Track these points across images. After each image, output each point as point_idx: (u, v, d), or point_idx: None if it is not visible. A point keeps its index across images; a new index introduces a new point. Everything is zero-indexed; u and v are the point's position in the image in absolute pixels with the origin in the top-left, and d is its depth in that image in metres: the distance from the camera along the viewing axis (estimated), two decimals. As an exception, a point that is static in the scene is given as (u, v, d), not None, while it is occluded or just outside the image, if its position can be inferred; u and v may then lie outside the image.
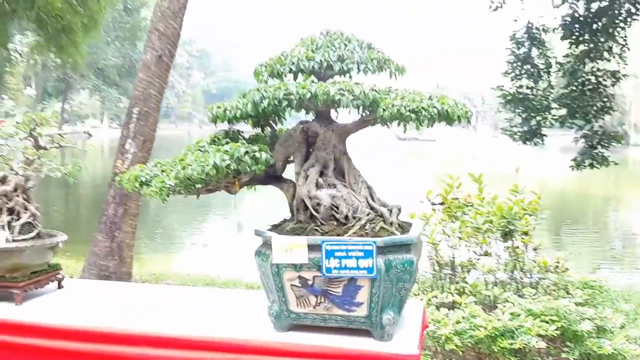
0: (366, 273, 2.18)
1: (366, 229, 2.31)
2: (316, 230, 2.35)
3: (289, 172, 2.61)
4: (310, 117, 2.62)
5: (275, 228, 2.50)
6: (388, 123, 2.27)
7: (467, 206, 5.14)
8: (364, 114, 2.39)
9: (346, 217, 2.40)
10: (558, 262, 4.60)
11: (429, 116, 2.16)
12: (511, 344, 3.70)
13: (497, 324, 3.77)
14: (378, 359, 2.18)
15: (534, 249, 4.77)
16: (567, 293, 4.69)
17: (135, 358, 2.37)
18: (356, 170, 2.54)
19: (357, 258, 2.19)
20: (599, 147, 10.10)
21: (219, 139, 2.55)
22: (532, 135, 10.62)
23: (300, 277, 2.26)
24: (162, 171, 2.43)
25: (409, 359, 2.17)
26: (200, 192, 2.49)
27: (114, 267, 5.93)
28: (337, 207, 2.41)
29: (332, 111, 2.54)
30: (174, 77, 52.78)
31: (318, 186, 2.45)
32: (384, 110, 2.19)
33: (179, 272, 7.51)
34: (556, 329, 3.77)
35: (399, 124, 2.30)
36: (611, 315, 4.14)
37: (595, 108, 9.93)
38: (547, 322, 3.82)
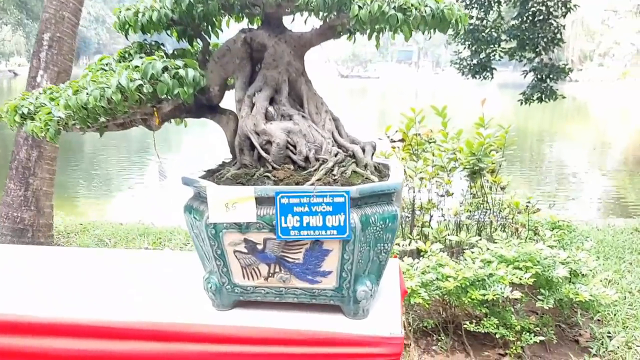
0: (336, 233, 1.61)
1: (334, 175, 1.73)
2: (267, 177, 1.74)
3: (229, 100, 1.98)
4: (256, 27, 1.96)
5: (211, 175, 1.88)
6: (363, 27, 1.65)
7: (430, 142, 4.65)
8: (329, 18, 1.75)
9: (306, 159, 1.80)
10: (529, 202, 4.21)
11: (420, 17, 1.55)
12: (483, 295, 3.28)
13: (467, 273, 3.33)
14: (351, 343, 1.65)
15: (502, 188, 4.36)
16: (535, 234, 4.35)
17: (35, 352, 1.75)
18: (318, 96, 1.92)
19: (324, 214, 1.61)
20: (548, 80, 9.86)
21: (130, 54, 1.86)
22: (481, 68, 10.30)
23: (246, 241, 1.68)
24: (52, 99, 1.74)
25: (391, 342, 1.64)
26: (107, 128, 1.83)
27: (30, 218, 5.16)
28: (295, 146, 1.80)
29: (285, 16, 1.89)
30: (104, 10, 49.40)
31: (268, 118, 1.82)
32: (359, 8, 1.55)
33: (112, 221, 6.77)
34: (531, 276, 3.38)
35: (377, 32, 1.69)
36: (585, 258, 3.78)
37: (545, 40, 9.61)
38: (520, 269, 3.43)
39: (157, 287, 2.02)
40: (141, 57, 1.72)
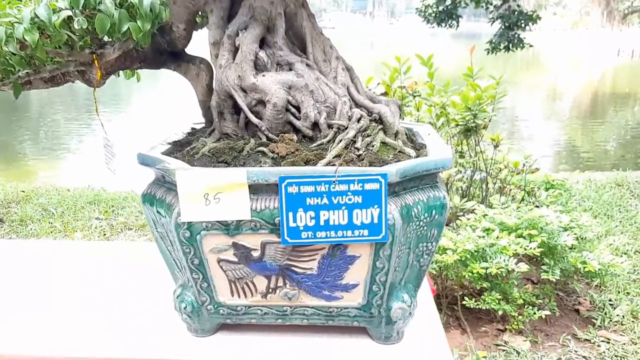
0: (367, 234, 1.12)
1: (357, 148, 1.22)
2: (262, 153, 1.22)
3: (200, 45, 1.43)
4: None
5: (179, 149, 1.34)
6: None
7: (415, 96, 4.16)
8: None
9: (315, 126, 1.28)
10: (526, 161, 3.81)
11: None
12: (485, 268, 2.88)
13: (469, 245, 2.91)
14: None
15: (495, 146, 3.94)
16: (529, 195, 3.98)
17: None
18: (324, 37, 1.39)
19: (350, 207, 1.11)
20: (515, 28, 9.51)
21: (53, -24, 1.27)
22: (447, 16, 9.86)
23: (236, 247, 1.17)
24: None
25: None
26: (28, 85, 1.26)
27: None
28: (298, 108, 1.28)
29: None
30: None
31: (259, 67, 1.29)
32: None
33: (58, 186, 6.06)
34: (538, 246, 2.99)
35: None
36: (589, 221, 3.42)
37: (512, -15, 9.21)
38: (524, 238, 3.04)
39: (107, 301, 1.50)
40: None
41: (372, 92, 1.41)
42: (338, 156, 1.18)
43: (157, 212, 1.22)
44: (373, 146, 1.22)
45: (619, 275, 3.65)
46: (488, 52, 9.76)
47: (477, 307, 3.00)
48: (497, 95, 3.94)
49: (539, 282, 3.45)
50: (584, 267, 3.04)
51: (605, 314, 3.30)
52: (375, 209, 1.11)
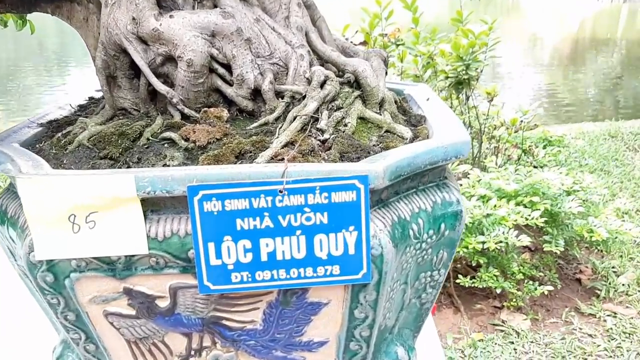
0: (339, 272, 0.69)
1: (320, 128, 0.77)
2: (169, 141, 0.76)
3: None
4: None
5: (51, 134, 0.88)
6: None
7: (398, 45, 3.67)
8: None
9: (256, 94, 0.83)
10: (524, 117, 3.39)
11: None
12: (483, 242, 2.49)
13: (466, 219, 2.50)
14: None
15: (490, 101, 3.50)
16: (525, 153, 3.58)
17: None
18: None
19: (309, 232, 0.67)
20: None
21: None
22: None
23: (130, 295, 0.73)
24: None
25: None
26: None
27: None
28: (227, 66, 0.82)
29: None
30: None
31: (165, 3, 0.82)
32: None
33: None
34: (541, 215, 2.60)
35: None
36: (593, 182, 3.03)
37: None
38: (525, 206, 2.65)
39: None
40: None
41: (346, 40, 0.96)
42: (291, 144, 0.73)
43: (10, 237, 0.77)
44: (346, 125, 0.77)
45: (625, 243, 3.31)
46: (470, -4, 9.26)
47: (473, 284, 2.63)
48: (489, 43, 3.47)
49: (537, 249, 3.09)
50: (591, 236, 2.66)
51: (610, 283, 2.97)
52: (350, 232, 0.67)
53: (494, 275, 2.59)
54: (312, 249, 0.68)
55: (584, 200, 2.81)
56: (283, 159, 0.70)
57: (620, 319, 2.55)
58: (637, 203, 3.99)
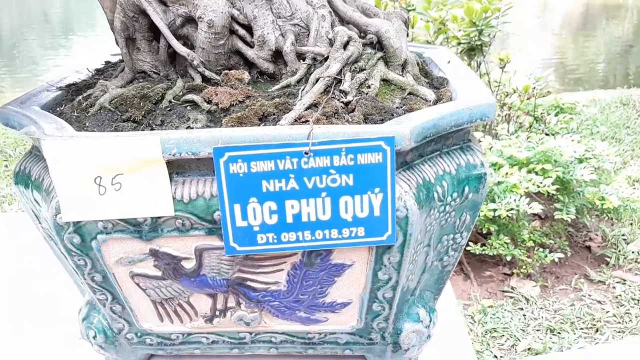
0: (364, 234, 0.69)
1: (343, 90, 0.76)
2: (190, 103, 0.76)
3: None
4: None
5: (72, 97, 0.87)
6: None
7: (410, 10, 3.61)
8: None
9: (277, 56, 0.82)
10: (537, 82, 3.35)
11: None
12: (494, 210, 2.49)
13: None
14: None
15: (502, 68, 3.45)
16: (537, 121, 3.55)
17: None
18: None
19: (335, 193, 0.67)
20: None
21: None
22: None
23: (157, 256, 0.73)
24: None
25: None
26: None
27: None
28: (248, 27, 0.81)
29: None
30: None
31: (183, -37, 0.80)
32: None
33: (3, 129, 5.49)
34: (553, 183, 2.58)
35: None
36: (606, 150, 3.00)
37: None
38: (537, 174, 2.64)
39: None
40: None
41: (365, 2, 0.94)
42: (314, 106, 0.72)
43: (35, 200, 0.77)
44: (369, 87, 0.76)
45: (636, 211, 3.30)
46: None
47: (484, 252, 2.65)
48: (502, 8, 3.41)
49: (546, 217, 3.09)
50: (602, 204, 2.65)
51: (619, 251, 2.97)
52: (376, 194, 0.67)
53: (505, 242, 2.59)
54: (338, 210, 0.68)
55: (595, 168, 2.80)
56: (307, 121, 0.70)
57: (630, 286, 2.55)
58: (649, 171, 3.96)
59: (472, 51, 3.20)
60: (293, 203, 0.68)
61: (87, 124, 0.75)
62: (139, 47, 0.84)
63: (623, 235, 3.09)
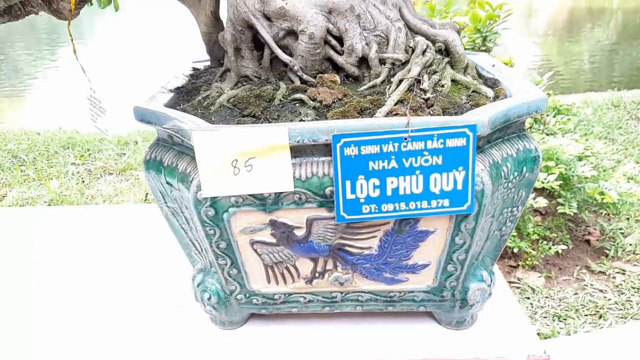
0: (448, 205, 0.86)
1: (423, 89, 0.93)
2: (298, 101, 0.93)
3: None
4: None
5: (186, 98, 1.03)
6: None
7: (415, 18, 3.80)
8: None
9: (361, 62, 0.99)
10: (537, 86, 3.55)
11: None
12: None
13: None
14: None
15: (504, 71, 3.64)
16: (536, 122, 3.74)
17: None
18: (366, -58, 1.06)
19: (427, 171, 0.84)
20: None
21: None
22: None
23: (275, 225, 0.90)
24: None
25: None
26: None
27: None
28: (339, 38, 0.98)
29: None
30: None
31: (287, -14, 0.97)
32: None
33: (26, 129, 5.59)
34: (556, 178, 2.77)
35: None
36: (603, 148, 3.21)
37: None
38: (541, 171, 2.83)
39: (107, 285, 1.24)
40: None
41: (422, 15, 1.11)
42: (401, 102, 0.89)
43: (167, 183, 0.93)
44: (443, 86, 0.94)
45: (633, 205, 3.50)
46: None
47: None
48: (502, 15, 3.61)
49: (547, 213, 3.27)
50: (602, 198, 2.85)
51: (617, 243, 3.16)
52: (459, 171, 0.84)
53: (512, 235, 2.78)
54: (428, 185, 0.85)
55: (594, 166, 3.00)
56: (397, 113, 0.87)
57: (629, 276, 2.74)
58: (643, 169, 4.16)
59: (478, 56, 3.39)
60: (393, 179, 0.85)
61: (212, 119, 0.91)
62: (243, 55, 1.01)
63: (620, 229, 3.29)
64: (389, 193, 0.85)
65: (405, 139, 0.82)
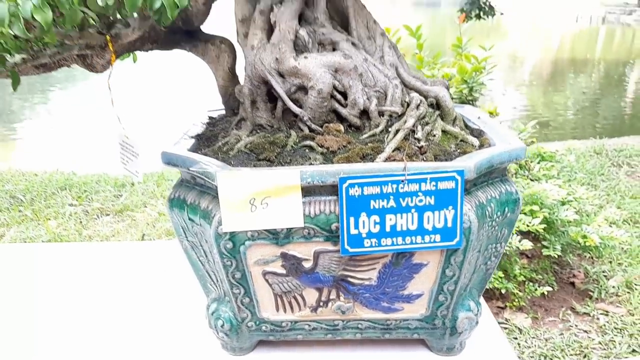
0: (439, 240, 0.98)
1: (417, 138, 1.06)
2: (309, 148, 1.05)
3: (222, 23, 1.24)
4: None
5: (207, 144, 1.16)
6: None
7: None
8: None
9: (362, 114, 1.12)
10: (521, 134, 3.73)
11: None
12: (489, 248, 2.78)
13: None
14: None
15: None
16: (521, 168, 3.90)
17: None
18: (367, 10, 1.21)
19: (421, 210, 0.96)
20: (486, -4, 9.38)
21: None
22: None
23: (285, 257, 1.01)
24: None
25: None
26: (21, 73, 1.05)
27: None
28: (344, 93, 1.11)
29: None
30: None
31: (298, 47, 1.11)
32: None
33: (23, 170, 5.66)
34: (541, 222, 2.91)
35: None
36: (586, 193, 3.35)
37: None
38: (526, 214, 2.96)
39: (124, 314, 1.33)
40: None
41: (416, 72, 1.25)
42: (398, 149, 1.02)
43: (189, 219, 1.05)
44: (434, 136, 1.07)
45: (614, 248, 3.62)
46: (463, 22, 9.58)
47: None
48: (487, 66, 3.81)
49: (533, 256, 3.39)
50: (585, 241, 2.98)
51: (601, 286, 3.27)
52: (449, 210, 0.96)
53: (499, 276, 2.90)
54: (422, 222, 0.97)
55: (577, 210, 3.15)
56: (395, 159, 0.99)
57: (612, 317, 2.84)
58: (623, 214, 4.33)
59: (463, 104, 3.57)
60: (391, 217, 0.97)
61: (232, 163, 1.03)
62: (258, 106, 1.14)
63: (603, 272, 3.40)
64: (387, 229, 0.97)
65: (402, 181, 0.94)
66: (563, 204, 3.12)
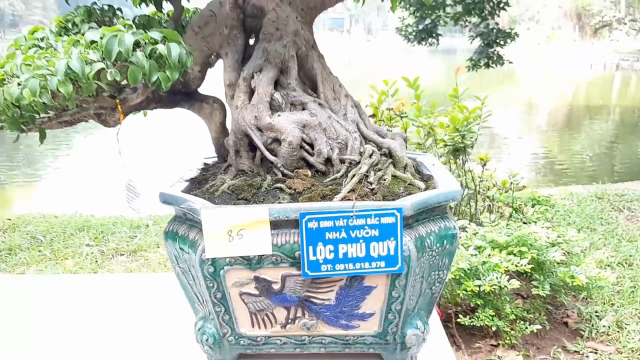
0: (384, 266, 1.19)
1: (370, 182, 1.28)
2: (279, 189, 1.28)
3: (213, 84, 1.49)
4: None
5: (198, 186, 1.39)
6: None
7: (402, 117, 4.26)
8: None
9: (327, 161, 1.35)
10: (514, 179, 3.92)
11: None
12: (479, 286, 2.95)
13: (462, 263, 2.98)
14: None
15: (483, 165, 4.04)
16: (516, 211, 4.08)
17: None
18: (333, 76, 1.46)
19: (368, 241, 1.17)
20: (494, 45, 9.67)
21: (74, 24, 1.33)
22: (427, 34, 10.00)
23: (258, 280, 1.22)
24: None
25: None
26: (46, 128, 1.31)
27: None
28: (312, 144, 1.34)
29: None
30: (19, -20, 45.67)
31: (273, 107, 1.35)
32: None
33: (44, 213, 5.97)
34: (528, 262, 3.07)
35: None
36: (575, 236, 3.52)
37: (491, 4, 9.37)
38: (515, 255, 3.13)
39: (123, 337, 1.54)
40: (93, 28, 1.20)
41: (379, 126, 1.48)
42: (352, 191, 1.24)
43: (180, 248, 1.27)
44: (385, 180, 1.29)
45: (603, 288, 3.75)
46: (468, 69, 9.90)
47: (472, 324, 3.06)
48: (482, 115, 4.05)
49: (528, 296, 3.53)
50: (572, 281, 3.13)
51: (592, 325, 3.39)
52: (391, 241, 1.17)
53: (490, 315, 3.06)
54: (369, 251, 1.18)
55: (566, 252, 3.32)
56: (350, 199, 1.21)
57: (601, 355, 2.97)
58: (619, 256, 4.45)
59: (457, 152, 3.81)
60: (343, 246, 1.18)
61: (216, 201, 1.26)
62: (241, 155, 1.37)
63: (596, 312, 3.54)
64: (340, 256, 1.18)
65: (352, 217, 1.16)
66: (553, 245, 3.29)
